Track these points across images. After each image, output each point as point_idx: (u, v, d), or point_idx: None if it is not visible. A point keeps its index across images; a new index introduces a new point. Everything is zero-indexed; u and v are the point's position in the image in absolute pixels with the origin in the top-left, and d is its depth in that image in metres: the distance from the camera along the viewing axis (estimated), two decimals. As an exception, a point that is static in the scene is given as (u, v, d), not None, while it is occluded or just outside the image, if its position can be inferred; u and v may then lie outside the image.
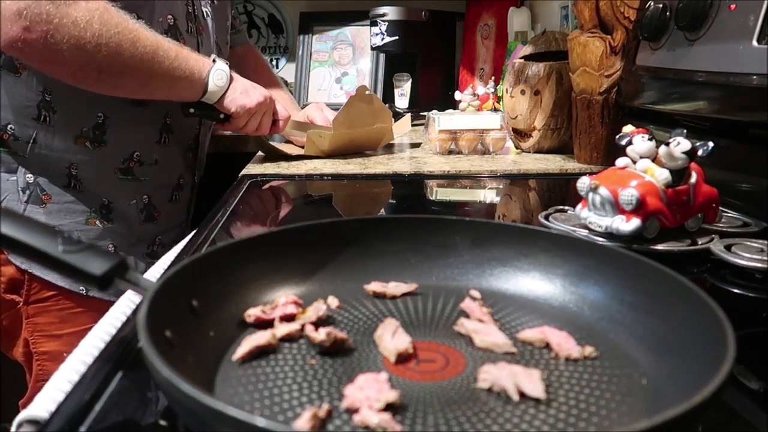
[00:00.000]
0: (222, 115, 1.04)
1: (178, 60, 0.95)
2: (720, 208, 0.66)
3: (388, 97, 1.88)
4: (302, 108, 1.36)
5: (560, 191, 0.98)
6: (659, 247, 0.59)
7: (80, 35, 0.85)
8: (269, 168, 1.08)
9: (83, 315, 0.99)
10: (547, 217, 0.69)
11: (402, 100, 1.86)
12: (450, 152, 1.19)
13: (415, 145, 1.33)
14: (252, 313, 0.42)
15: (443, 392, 0.35)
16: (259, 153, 1.22)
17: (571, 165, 1.07)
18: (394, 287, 0.48)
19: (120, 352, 0.42)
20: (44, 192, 0.98)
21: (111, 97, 0.97)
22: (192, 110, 1.02)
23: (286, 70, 2.13)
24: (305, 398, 0.34)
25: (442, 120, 1.17)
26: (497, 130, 1.17)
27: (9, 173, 0.97)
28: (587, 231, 0.63)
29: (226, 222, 0.76)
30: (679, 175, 0.61)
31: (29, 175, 0.97)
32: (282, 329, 0.41)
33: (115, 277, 0.40)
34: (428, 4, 1.81)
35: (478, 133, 1.18)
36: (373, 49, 1.83)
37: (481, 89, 1.30)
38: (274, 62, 2.16)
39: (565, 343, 0.40)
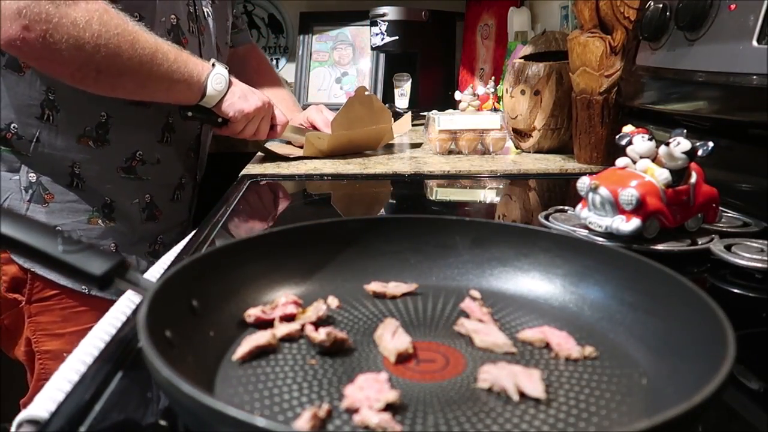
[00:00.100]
0: (220, 119, 1.05)
1: (177, 63, 0.95)
2: (720, 208, 0.66)
3: (388, 97, 1.88)
4: (303, 109, 1.36)
5: (560, 191, 0.98)
6: (659, 247, 0.59)
7: (79, 35, 0.85)
8: (269, 168, 1.08)
9: (85, 314, 0.99)
10: (547, 217, 0.69)
11: (402, 100, 1.86)
12: (450, 152, 1.19)
13: (415, 145, 1.33)
14: (252, 313, 0.42)
15: (443, 392, 0.35)
16: (260, 153, 1.22)
17: (571, 165, 1.07)
18: (394, 287, 0.48)
19: (120, 352, 0.42)
20: (47, 191, 0.98)
21: (114, 97, 0.97)
22: (190, 114, 1.03)
23: (286, 70, 2.13)
24: (305, 398, 0.34)
25: (442, 120, 1.17)
26: (497, 130, 1.17)
27: (12, 172, 0.97)
28: (587, 231, 0.63)
29: (226, 222, 0.77)
30: (679, 175, 0.61)
31: (32, 174, 0.98)
32: (282, 329, 0.41)
33: (115, 277, 0.40)
34: (428, 4, 1.81)
35: (478, 133, 1.18)
36: (373, 49, 1.83)
37: (481, 89, 1.30)
38: (274, 62, 2.16)
39: (565, 343, 0.40)
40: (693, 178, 0.62)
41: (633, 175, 0.60)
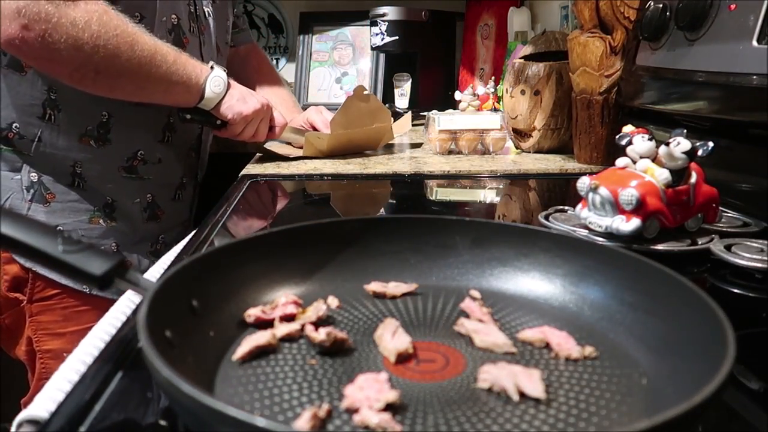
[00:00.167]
0: (219, 122, 1.05)
1: (176, 65, 0.95)
2: (720, 208, 0.66)
3: (388, 97, 1.88)
4: (303, 109, 1.36)
5: (560, 191, 0.98)
6: (659, 247, 0.59)
7: (78, 35, 0.85)
8: (269, 168, 1.08)
9: (87, 313, 0.99)
10: (547, 217, 0.69)
11: (402, 100, 1.86)
12: (450, 152, 1.19)
13: (415, 145, 1.33)
14: (252, 313, 0.42)
15: (443, 392, 0.35)
16: (259, 153, 1.22)
17: (571, 165, 1.07)
18: (394, 287, 0.48)
19: (120, 352, 0.42)
20: (48, 191, 0.99)
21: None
22: (189, 116, 1.03)
23: (286, 70, 2.14)
24: (305, 398, 0.34)
25: (442, 120, 1.17)
26: (497, 130, 1.17)
27: (13, 172, 0.98)
28: (587, 231, 0.63)
29: (226, 222, 0.77)
30: (679, 175, 0.61)
31: (33, 174, 0.98)
32: (282, 329, 0.41)
33: (115, 277, 0.40)
34: (428, 4, 1.81)
35: (478, 133, 1.18)
36: (373, 49, 1.83)
37: (481, 89, 1.30)
38: (274, 62, 2.16)
39: (565, 343, 0.40)
40: (693, 178, 0.62)
41: (633, 175, 0.60)
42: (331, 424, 0.32)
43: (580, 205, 0.64)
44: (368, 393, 0.33)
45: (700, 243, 0.60)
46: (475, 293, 0.47)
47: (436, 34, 1.86)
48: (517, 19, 1.65)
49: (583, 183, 0.62)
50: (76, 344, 0.50)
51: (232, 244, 0.47)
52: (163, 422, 0.35)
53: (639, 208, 0.58)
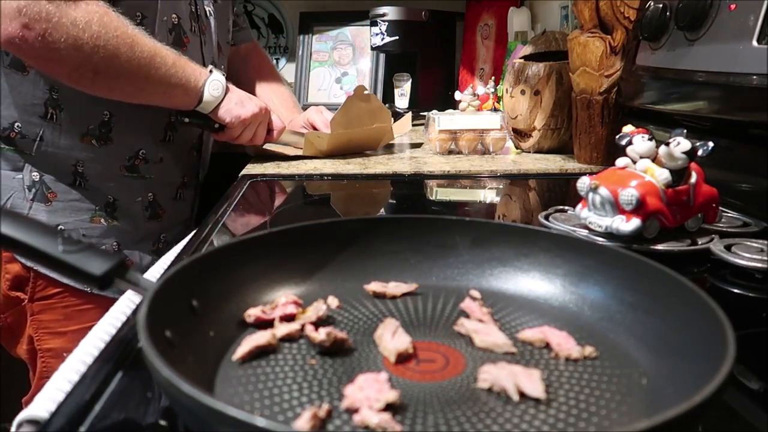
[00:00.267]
0: (217, 125, 1.05)
1: (175, 67, 0.95)
2: (720, 208, 0.66)
3: (388, 97, 1.88)
4: (303, 109, 1.36)
5: (560, 191, 0.98)
6: (659, 247, 0.59)
7: (78, 35, 0.85)
8: (269, 168, 1.08)
9: (88, 312, 1.00)
10: (547, 217, 0.69)
11: (402, 100, 1.86)
12: (450, 152, 1.19)
13: (415, 145, 1.33)
14: (252, 313, 0.42)
15: (443, 392, 0.35)
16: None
17: (571, 165, 1.07)
18: (394, 287, 0.48)
19: (120, 352, 0.42)
20: (50, 190, 0.99)
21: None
22: (187, 119, 1.03)
23: (286, 70, 2.13)
24: (305, 398, 0.34)
25: (442, 120, 1.17)
26: (497, 130, 1.17)
27: (15, 171, 0.98)
28: (587, 231, 0.63)
29: (226, 222, 0.77)
30: (679, 175, 0.61)
31: (35, 173, 0.98)
32: (282, 329, 0.41)
33: (115, 277, 0.40)
34: (428, 4, 1.81)
35: (478, 133, 1.18)
36: (373, 49, 1.82)
37: (481, 89, 1.30)
38: (274, 62, 2.16)
39: (565, 343, 0.40)
40: (693, 178, 0.62)
41: (633, 175, 0.60)
42: (331, 424, 0.32)
43: (580, 205, 0.64)
44: (368, 393, 0.33)
45: (700, 243, 0.60)
46: (475, 293, 0.47)
47: (436, 34, 1.86)
48: (517, 19, 1.65)
49: (583, 183, 0.62)
50: (77, 343, 0.50)
51: (232, 244, 0.47)
52: (163, 422, 0.35)
53: (639, 208, 0.58)
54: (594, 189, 0.61)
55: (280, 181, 1.02)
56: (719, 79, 0.72)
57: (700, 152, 0.60)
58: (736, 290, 0.55)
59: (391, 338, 0.40)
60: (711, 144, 0.60)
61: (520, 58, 1.19)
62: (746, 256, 0.56)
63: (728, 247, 0.58)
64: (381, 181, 1.02)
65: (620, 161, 0.62)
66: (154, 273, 0.74)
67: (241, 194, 0.90)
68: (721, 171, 0.71)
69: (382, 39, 1.74)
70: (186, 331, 0.37)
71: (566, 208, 0.71)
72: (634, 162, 0.62)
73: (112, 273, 0.40)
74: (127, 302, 0.57)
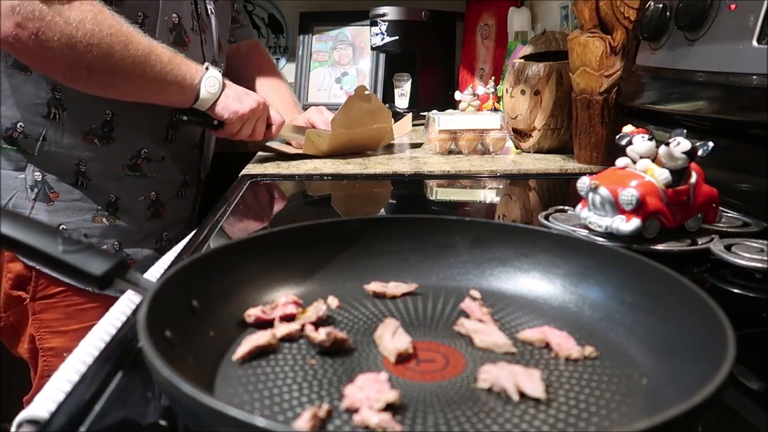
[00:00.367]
0: (215, 122, 1.05)
1: (170, 65, 0.95)
2: (720, 208, 0.66)
3: (388, 97, 1.88)
4: (303, 109, 1.36)
5: (560, 191, 0.98)
6: (659, 247, 0.59)
7: (72, 34, 0.86)
8: (269, 168, 1.08)
9: (90, 311, 1.00)
10: (547, 217, 0.69)
11: (402, 100, 1.86)
12: (450, 152, 1.19)
13: (415, 145, 1.33)
14: (252, 313, 0.42)
15: (443, 392, 0.35)
16: (260, 153, 1.22)
17: (571, 165, 1.07)
18: (394, 287, 0.48)
19: (120, 352, 0.42)
20: (52, 189, 0.99)
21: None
22: (185, 117, 1.03)
23: (286, 70, 2.13)
24: (305, 398, 0.34)
25: (442, 120, 1.17)
26: (497, 130, 1.17)
27: (18, 171, 0.98)
28: (587, 231, 0.63)
29: (226, 222, 0.77)
30: (679, 175, 0.61)
31: (37, 173, 0.99)
32: (282, 329, 0.41)
33: (115, 277, 0.40)
34: (428, 4, 1.81)
35: (478, 133, 1.18)
36: (373, 49, 1.82)
37: (481, 89, 1.30)
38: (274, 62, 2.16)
39: (565, 343, 0.40)
40: (693, 178, 0.62)
41: (633, 175, 0.60)
42: (331, 424, 0.32)
43: (580, 205, 0.64)
44: (368, 393, 0.33)
45: (700, 243, 0.60)
46: (475, 293, 0.47)
47: (436, 34, 1.86)
48: (517, 19, 1.65)
49: (583, 183, 0.62)
50: (78, 342, 0.50)
51: (232, 244, 0.47)
52: (163, 422, 0.35)
53: (639, 208, 0.58)
54: (594, 189, 0.61)
55: (280, 181, 1.02)
56: (719, 79, 0.72)
57: (700, 152, 0.60)
58: (736, 290, 0.55)
59: (391, 338, 0.40)
60: (711, 144, 0.60)
61: (520, 58, 1.19)
62: (746, 256, 0.56)
63: (728, 247, 0.58)
64: (381, 181, 1.02)
65: (620, 161, 0.62)
66: (154, 273, 0.74)
67: (241, 194, 0.90)
68: (721, 171, 0.71)
69: (382, 39, 1.74)
70: (186, 331, 0.37)
71: (566, 208, 0.71)
72: (634, 162, 0.62)
73: (112, 273, 0.40)
74: (127, 302, 0.57)
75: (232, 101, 1.03)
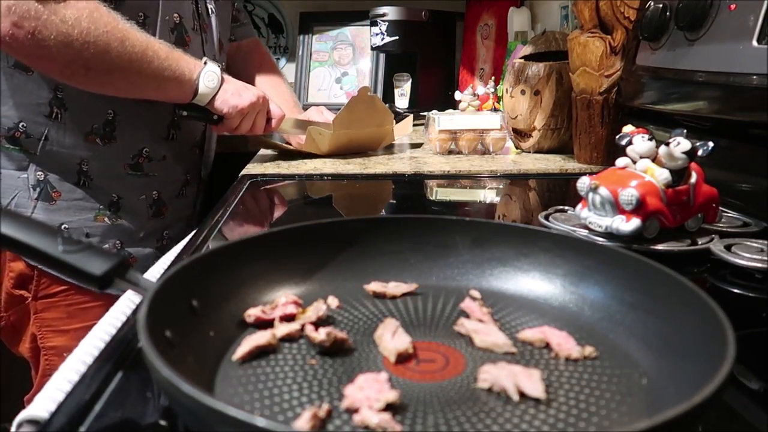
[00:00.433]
0: (215, 117, 1.05)
1: (168, 61, 0.95)
2: (720, 208, 0.66)
3: (388, 97, 1.88)
4: (303, 110, 1.36)
5: (560, 191, 0.98)
6: (659, 247, 0.59)
7: (68, 32, 0.86)
8: (269, 168, 1.08)
9: (91, 310, 1.00)
10: (547, 217, 0.69)
11: (402, 100, 1.86)
12: (450, 152, 1.19)
13: (415, 146, 1.33)
14: (252, 313, 0.42)
15: (443, 392, 0.35)
16: (260, 153, 1.22)
17: (571, 165, 1.07)
18: (394, 287, 0.48)
19: (120, 352, 0.42)
20: (54, 189, 0.99)
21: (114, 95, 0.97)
22: (185, 112, 1.03)
23: (286, 70, 2.13)
24: (305, 398, 0.34)
25: (442, 120, 1.17)
26: (497, 130, 1.17)
27: (20, 170, 0.99)
28: (587, 231, 0.63)
29: (226, 222, 0.77)
30: (679, 175, 0.61)
31: (39, 173, 0.99)
32: (282, 329, 0.41)
33: (115, 277, 0.40)
34: (428, 4, 1.81)
35: (478, 133, 1.18)
36: (373, 49, 1.82)
37: (481, 89, 1.30)
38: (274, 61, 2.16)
39: (565, 343, 0.40)
40: (693, 178, 0.62)
41: (633, 175, 0.60)
42: (331, 424, 0.32)
43: (580, 205, 0.64)
44: (368, 393, 0.33)
45: (700, 243, 0.60)
46: (475, 293, 0.47)
47: (436, 34, 1.86)
48: (517, 19, 1.65)
49: (583, 183, 0.62)
50: (80, 341, 0.50)
51: (232, 244, 0.47)
52: (163, 422, 0.35)
53: (639, 208, 0.58)
54: (594, 189, 0.61)
55: (280, 181, 1.02)
56: (719, 79, 0.72)
57: (700, 152, 0.60)
58: (736, 290, 0.55)
59: (391, 338, 0.40)
60: (711, 144, 0.60)
61: (520, 58, 1.19)
62: (746, 256, 0.56)
63: (728, 247, 0.58)
64: (381, 181, 1.02)
65: (620, 161, 0.62)
66: (154, 273, 0.74)
67: (240, 194, 0.90)
68: (721, 171, 0.71)
69: (382, 39, 1.74)
70: (186, 331, 0.37)
71: (566, 208, 0.71)
72: (634, 162, 0.62)
73: (112, 273, 0.40)
74: (127, 302, 0.57)
75: (231, 95, 1.03)
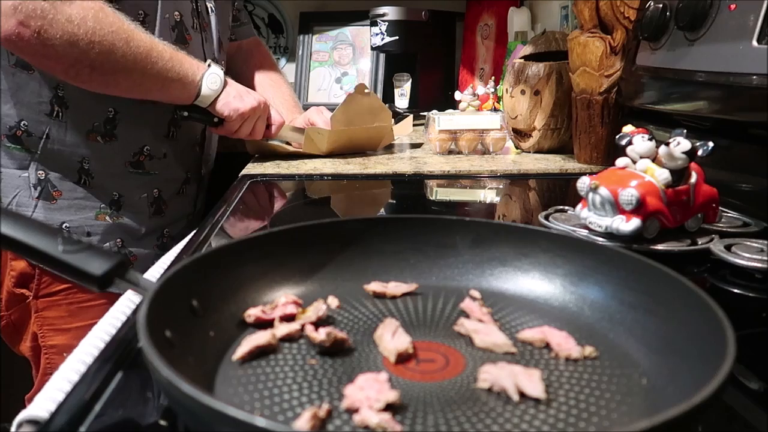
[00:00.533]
0: (216, 119, 1.05)
1: (172, 62, 0.96)
2: (720, 208, 0.66)
3: (388, 97, 1.88)
4: (303, 110, 1.36)
5: (560, 191, 0.98)
6: (659, 247, 0.59)
7: (73, 32, 0.86)
8: (269, 168, 1.08)
9: (93, 309, 1.00)
10: (547, 217, 0.69)
11: (402, 100, 1.86)
12: (450, 152, 1.19)
13: (415, 145, 1.33)
14: (252, 313, 0.42)
15: (443, 392, 0.35)
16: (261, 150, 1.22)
17: (571, 165, 1.07)
18: (394, 287, 0.48)
19: (120, 352, 0.42)
20: (55, 188, 1.00)
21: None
22: (186, 114, 1.03)
23: (286, 70, 2.12)
24: (305, 398, 0.34)
25: (442, 120, 1.17)
26: (497, 130, 1.17)
27: (21, 169, 0.99)
28: (587, 231, 0.63)
29: (226, 222, 0.77)
30: (679, 175, 0.61)
31: (41, 171, 0.99)
32: (282, 329, 0.41)
33: (115, 277, 0.40)
34: (428, 4, 1.81)
35: (478, 133, 1.18)
36: (373, 49, 1.82)
37: (481, 89, 1.30)
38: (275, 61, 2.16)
39: (565, 343, 0.40)
40: (693, 178, 0.62)
41: (633, 175, 0.60)
42: (331, 424, 0.32)
43: (580, 205, 0.64)
44: (368, 393, 0.33)
45: (700, 243, 0.60)
46: (475, 293, 0.47)
47: (436, 34, 1.86)
48: (517, 19, 1.65)
49: (583, 183, 0.62)
50: (81, 340, 0.50)
51: (232, 244, 0.47)
52: (163, 422, 0.35)
53: (639, 208, 0.58)
54: (594, 189, 0.61)
55: (280, 181, 1.02)
56: (719, 79, 0.72)
57: (700, 152, 0.60)
58: (736, 290, 0.55)
59: (391, 338, 0.40)
60: (711, 144, 0.60)
61: (520, 58, 1.19)
62: (746, 256, 0.56)
63: (728, 247, 0.58)
64: (381, 181, 1.02)
65: (620, 161, 0.62)
66: (154, 273, 0.74)
67: (240, 194, 0.90)
68: (721, 171, 0.71)
69: (382, 39, 1.74)
70: (186, 331, 0.37)
71: (566, 208, 0.71)
72: (634, 162, 0.62)
73: (112, 273, 0.40)
74: (127, 302, 0.57)
75: (233, 99, 1.03)
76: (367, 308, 0.46)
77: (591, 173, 0.63)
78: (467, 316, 0.44)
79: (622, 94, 0.99)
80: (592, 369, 0.38)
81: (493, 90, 1.34)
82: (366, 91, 1.17)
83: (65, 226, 1.00)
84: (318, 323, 0.42)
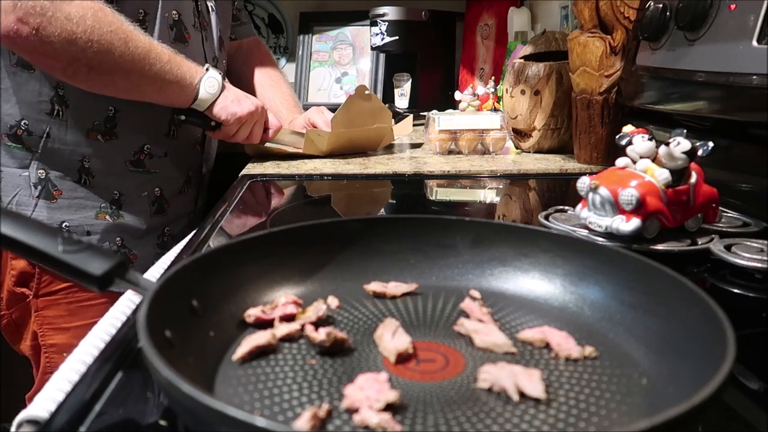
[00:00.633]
0: (213, 123, 1.05)
1: (170, 64, 0.96)
2: (720, 208, 0.66)
3: (388, 97, 1.88)
4: (303, 110, 1.36)
5: (560, 191, 0.98)
6: (659, 247, 0.59)
7: (72, 30, 0.86)
8: (269, 168, 1.08)
9: (93, 308, 1.00)
10: (547, 217, 0.69)
11: (402, 100, 1.86)
12: (450, 152, 1.19)
13: (415, 145, 1.33)
14: (252, 313, 0.42)
15: (443, 392, 0.35)
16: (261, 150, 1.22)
17: (571, 165, 1.07)
18: (394, 287, 0.48)
19: (120, 352, 0.42)
20: (55, 187, 1.00)
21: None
22: (183, 117, 1.03)
23: (286, 70, 2.12)
24: (305, 398, 0.34)
25: (442, 120, 1.17)
26: (497, 130, 1.17)
27: (21, 168, 0.99)
28: (587, 231, 0.63)
29: (226, 222, 0.77)
30: (679, 175, 0.61)
31: (41, 171, 0.99)
32: (282, 329, 0.41)
33: (115, 277, 0.40)
34: (428, 4, 1.81)
35: (478, 133, 1.18)
36: (373, 49, 1.83)
37: (481, 89, 1.30)
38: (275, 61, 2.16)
39: (565, 343, 0.40)
40: (693, 178, 0.62)
41: (633, 175, 0.60)
42: (331, 424, 0.32)
43: (580, 205, 0.64)
44: (368, 393, 0.33)
45: (700, 243, 0.60)
46: (475, 293, 0.47)
47: (436, 34, 1.86)
48: (517, 19, 1.65)
49: (583, 183, 0.62)
50: (81, 339, 0.50)
51: (231, 244, 0.47)
52: (163, 422, 0.35)
53: (639, 208, 0.58)
54: (594, 189, 0.61)
55: (280, 181, 1.02)
56: (719, 79, 0.72)
57: (700, 152, 0.60)
58: (736, 290, 0.55)
59: (391, 338, 0.40)
60: (711, 144, 0.60)
61: (520, 58, 1.19)
62: (746, 256, 0.56)
63: (728, 247, 0.58)
64: (381, 181, 1.02)
65: (620, 161, 0.62)
66: (155, 273, 0.74)
67: (240, 194, 0.90)
68: (721, 171, 0.71)
69: (382, 39, 1.74)
70: (186, 331, 0.37)
71: (566, 208, 0.71)
72: (634, 162, 0.62)
73: (112, 273, 0.40)
74: (127, 302, 0.57)
75: (231, 103, 1.03)
76: (367, 308, 0.46)
77: (591, 173, 0.63)
78: (467, 316, 0.44)
79: (622, 94, 0.99)
80: (592, 369, 0.38)
81: (493, 90, 1.34)
82: (366, 93, 1.17)
83: (65, 226, 1.00)
84: (318, 323, 0.42)
